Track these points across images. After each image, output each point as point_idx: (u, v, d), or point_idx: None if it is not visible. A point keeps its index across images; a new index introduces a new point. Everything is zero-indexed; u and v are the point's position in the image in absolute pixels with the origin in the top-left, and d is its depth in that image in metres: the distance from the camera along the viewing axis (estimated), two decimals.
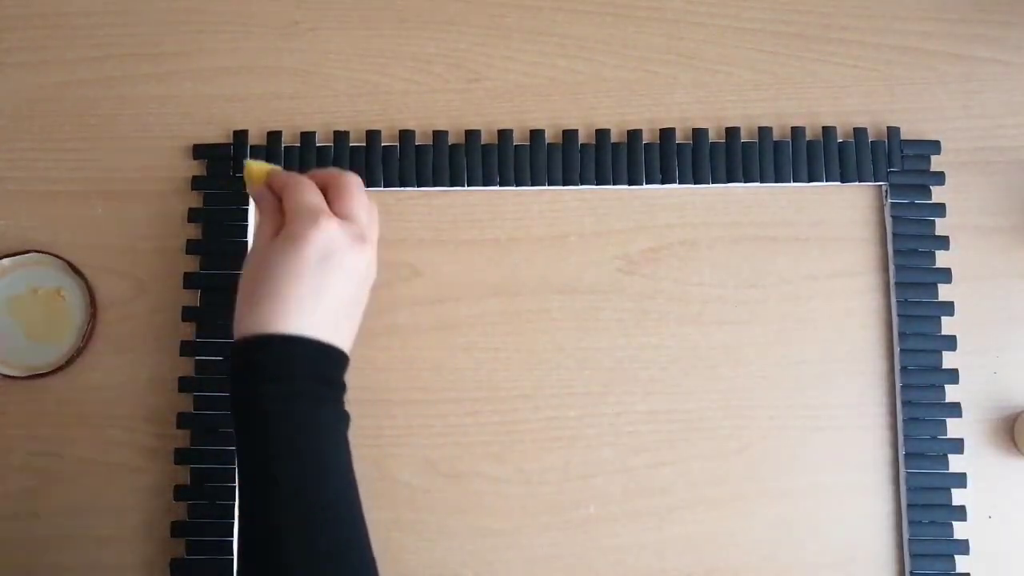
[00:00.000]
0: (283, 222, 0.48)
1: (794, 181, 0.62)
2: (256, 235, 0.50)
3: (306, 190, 0.49)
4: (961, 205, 0.62)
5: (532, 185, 0.61)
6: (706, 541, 0.59)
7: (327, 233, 0.47)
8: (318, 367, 0.47)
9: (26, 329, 0.60)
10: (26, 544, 0.59)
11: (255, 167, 0.52)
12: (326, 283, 0.47)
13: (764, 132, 0.62)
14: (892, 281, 0.61)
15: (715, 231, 0.62)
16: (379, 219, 0.52)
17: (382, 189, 0.61)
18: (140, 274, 0.61)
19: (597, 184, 0.61)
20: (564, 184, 0.61)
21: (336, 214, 0.49)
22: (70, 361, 0.59)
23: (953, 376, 0.60)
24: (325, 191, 0.50)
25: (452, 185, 0.61)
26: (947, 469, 0.59)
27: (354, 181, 0.50)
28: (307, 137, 0.61)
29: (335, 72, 0.63)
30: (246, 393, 0.47)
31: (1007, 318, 0.61)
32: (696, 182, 0.61)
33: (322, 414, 0.47)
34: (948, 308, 0.60)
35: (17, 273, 0.60)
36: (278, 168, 0.52)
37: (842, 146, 0.62)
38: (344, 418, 0.49)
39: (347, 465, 0.48)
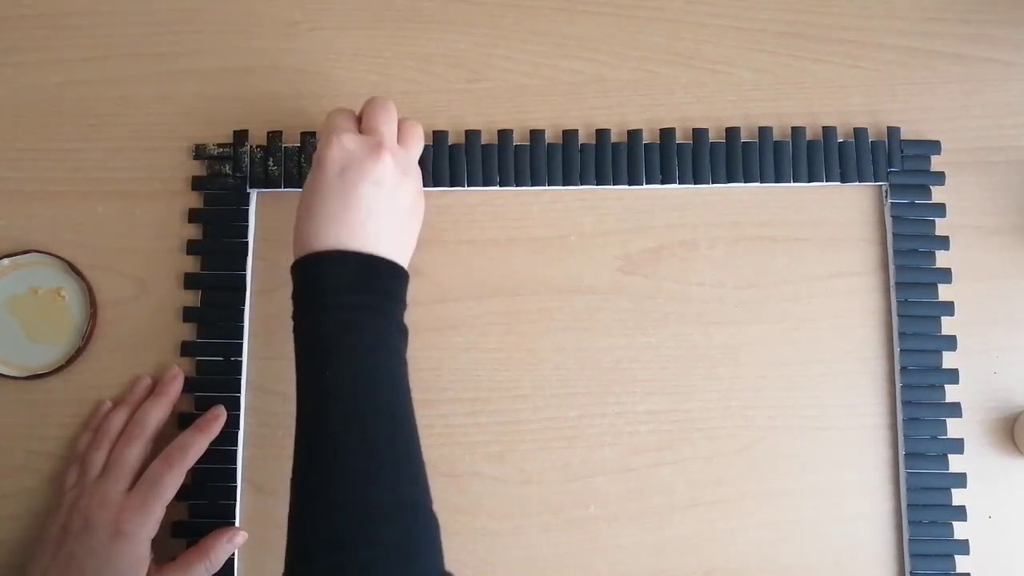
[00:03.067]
0: None
1: (794, 181, 0.62)
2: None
3: (334, 116, 0.52)
4: (961, 205, 0.62)
5: (532, 185, 0.61)
6: (706, 541, 0.59)
7: (340, 147, 0.50)
8: (357, 276, 0.49)
9: (26, 329, 0.60)
10: (26, 544, 0.59)
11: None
12: (352, 195, 0.49)
13: (764, 132, 0.62)
14: (892, 281, 0.61)
15: (715, 231, 0.62)
16: None
17: None
18: (140, 274, 0.61)
19: (597, 184, 0.61)
20: (564, 184, 0.61)
21: (362, 132, 0.51)
22: (70, 361, 0.59)
23: (953, 376, 0.60)
24: (360, 116, 0.53)
25: (452, 185, 0.61)
26: (947, 469, 0.59)
27: (378, 101, 0.53)
28: (307, 137, 0.61)
29: (335, 72, 0.63)
30: (294, 313, 0.50)
31: (1007, 318, 0.61)
32: (696, 182, 0.61)
33: (373, 322, 0.48)
34: (948, 308, 0.60)
35: (17, 273, 0.60)
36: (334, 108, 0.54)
37: (842, 146, 0.62)
38: (399, 328, 0.50)
39: (399, 372, 0.49)
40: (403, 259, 0.52)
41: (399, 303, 0.51)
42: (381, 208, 0.50)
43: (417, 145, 0.54)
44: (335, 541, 0.44)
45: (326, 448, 0.46)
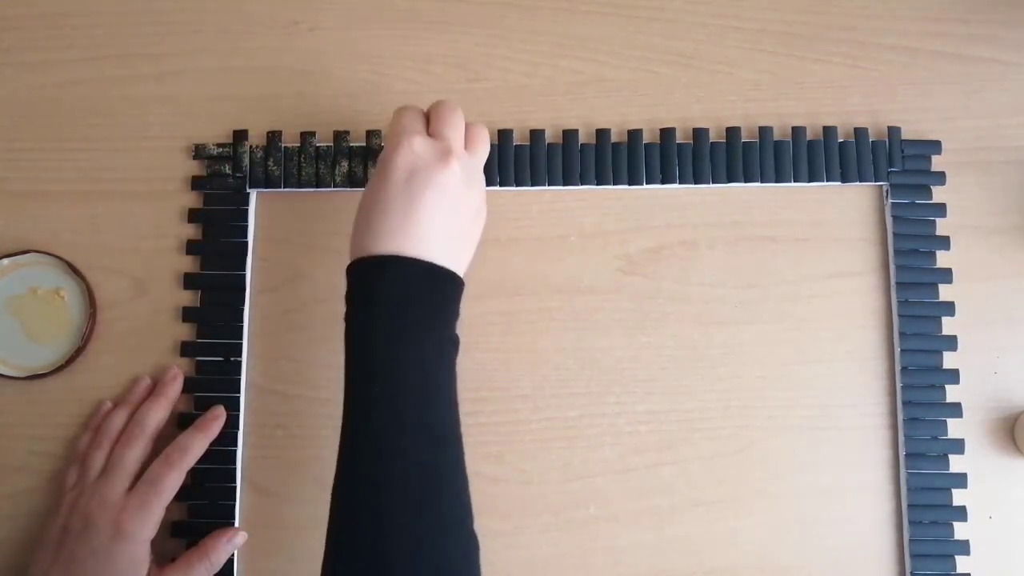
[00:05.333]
0: None
1: (794, 181, 0.62)
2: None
3: (403, 116, 0.51)
4: (962, 205, 0.62)
5: (532, 185, 0.61)
6: (706, 541, 0.59)
7: (409, 151, 0.48)
8: (414, 284, 0.48)
9: (26, 329, 0.60)
10: (26, 544, 0.59)
11: None
12: (417, 201, 0.48)
13: (764, 132, 0.62)
14: (893, 281, 0.61)
15: (715, 231, 0.62)
16: None
17: None
18: (140, 274, 0.61)
19: (597, 184, 0.61)
20: (564, 184, 0.61)
21: (430, 136, 0.50)
22: (70, 361, 0.59)
23: (954, 376, 0.60)
24: (427, 119, 0.52)
25: None
26: (948, 469, 0.59)
27: (447, 105, 0.52)
28: (307, 137, 0.61)
29: (335, 72, 0.63)
30: (348, 315, 0.48)
31: (1008, 318, 0.61)
32: (696, 182, 0.61)
33: (426, 337, 0.47)
34: (949, 308, 0.60)
35: (17, 273, 0.60)
36: (401, 106, 0.53)
37: (843, 146, 0.62)
38: (452, 340, 0.49)
39: (449, 386, 0.48)
40: (461, 268, 0.50)
41: (454, 314, 0.49)
42: (445, 216, 0.49)
43: (484, 151, 0.53)
44: (375, 559, 0.43)
45: (371, 462, 0.45)
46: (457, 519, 0.46)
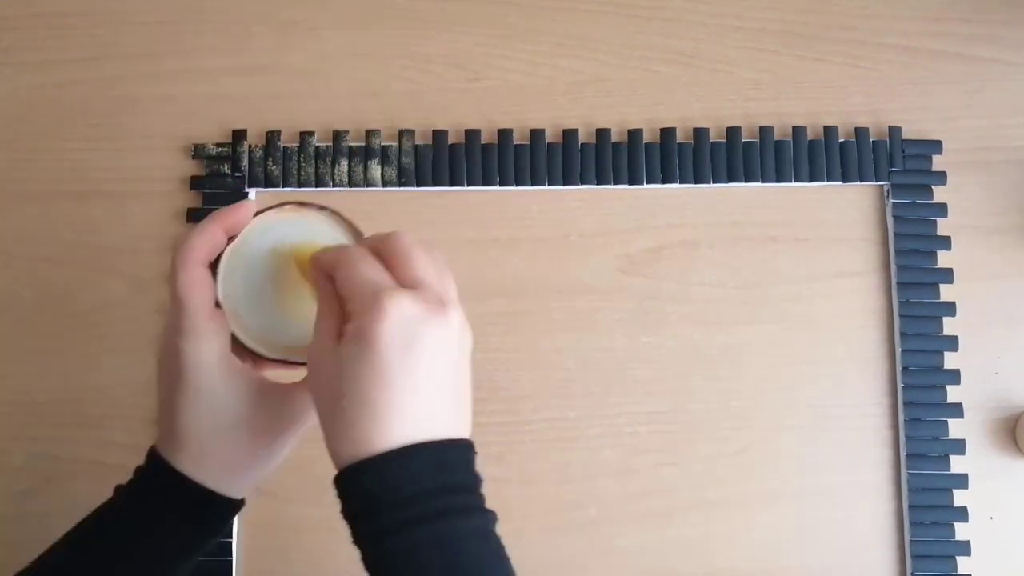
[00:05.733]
0: (343, 313, 0.39)
1: (795, 181, 0.61)
2: (316, 334, 0.40)
3: (361, 267, 0.39)
4: (963, 205, 0.61)
5: (532, 185, 0.61)
6: (707, 542, 0.59)
7: (399, 315, 0.37)
8: (443, 472, 0.39)
9: (276, 295, 0.45)
10: (26, 544, 0.58)
11: (298, 254, 0.44)
12: (419, 374, 0.38)
13: (765, 132, 0.62)
14: (893, 281, 0.61)
15: (716, 231, 0.61)
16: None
17: (381, 189, 0.61)
18: (140, 274, 0.61)
19: (597, 184, 0.61)
20: (564, 184, 0.61)
21: (401, 285, 0.39)
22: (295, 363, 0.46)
23: (954, 376, 0.60)
24: (379, 258, 0.40)
25: (452, 185, 0.61)
26: (948, 470, 0.59)
27: (406, 241, 0.40)
28: (306, 137, 0.61)
29: (335, 72, 0.63)
30: (358, 538, 0.38)
31: (1008, 318, 0.61)
32: (696, 182, 0.61)
33: (462, 527, 0.39)
34: (950, 308, 0.60)
35: (304, 223, 0.46)
36: (322, 246, 0.43)
37: (843, 146, 0.62)
38: (487, 517, 0.40)
39: (505, 567, 0.40)
40: (468, 426, 0.41)
41: (479, 488, 0.40)
42: (449, 381, 0.39)
43: (453, 282, 0.41)
44: None
45: None
46: None
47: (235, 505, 0.44)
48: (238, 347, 0.44)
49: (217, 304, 0.43)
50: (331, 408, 0.39)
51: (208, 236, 0.43)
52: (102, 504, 0.44)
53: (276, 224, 0.46)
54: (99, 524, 0.44)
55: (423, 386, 0.38)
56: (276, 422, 0.44)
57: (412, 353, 0.38)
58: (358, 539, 0.38)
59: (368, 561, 0.38)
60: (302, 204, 0.46)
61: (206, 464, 0.43)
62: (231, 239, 0.44)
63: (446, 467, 0.39)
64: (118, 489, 0.44)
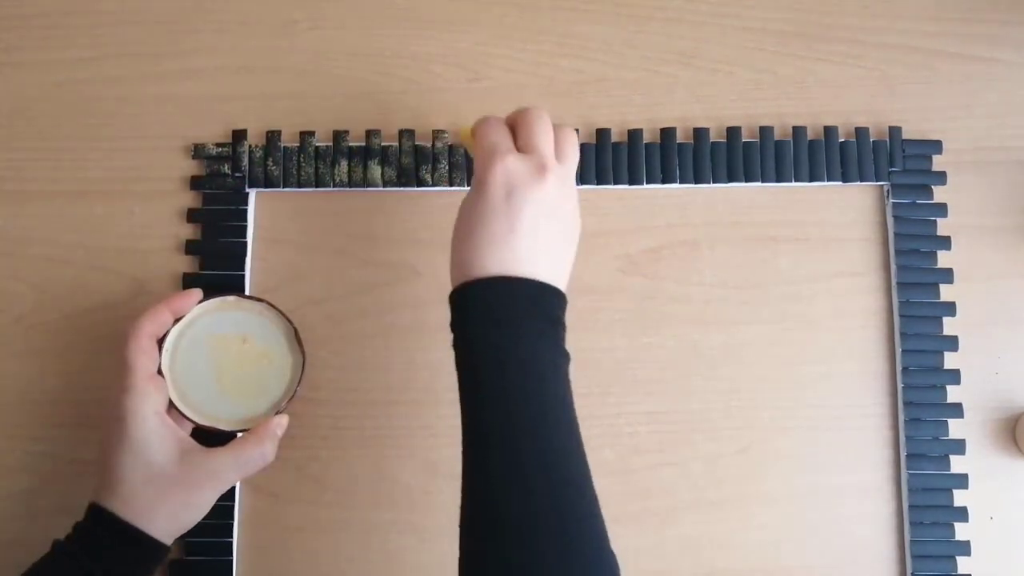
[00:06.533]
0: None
1: (795, 181, 0.61)
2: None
3: (490, 131, 0.50)
4: (963, 205, 0.61)
5: None
6: (707, 542, 0.59)
7: (504, 170, 0.48)
8: (525, 303, 0.47)
9: (216, 374, 0.55)
10: (26, 544, 0.58)
11: (463, 130, 0.55)
12: (518, 219, 0.47)
13: (765, 132, 0.62)
14: (894, 281, 0.61)
15: (716, 231, 0.61)
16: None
17: (381, 189, 0.61)
18: (139, 274, 0.61)
19: (597, 184, 0.61)
20: None
21: (520, 149, 0.49)
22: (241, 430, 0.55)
23: (955, 376, 0.60)
24: (513, 128, 0.51)
25: (452, 185, 0.61)
26: (948, 470, 0.59)
27: (534, 114, 0.50)
28: (306, 137, 0.61)
29: (335, 72, 0.63)
30: (457, 343, 0.48)
31: (1009, 318, 0.61)
32: (697, 182, 0.61)
33: (539, 350, 0.46)
34: (950, 308, 0.60)
35: (236, 314, 0.56)
36: (479, 119, 0.52)
37: (843, 146, 0.62)
38: (564, 355, 0.48)
39: (568, 402, 0.47)
40: (564, 282, 0.49)
41: (563, 329, 0.48)
42: (545, 231, 0.48)
43: (574, 158, 0.51)
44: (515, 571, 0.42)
45: (493, 488, 0.44)
46: (589, 539, 0.44)
47: (162, 548, 0.51)
48: (173, 411, 0.54)
49: (160, 373, 0.53)
50: (455, 241, 0.49)
51: (157, 316, 0.53)
52: (40, 558, 0.51)
53: (216, 312, 0.56)
54: (41, 570, 0.50)
55: (521, 231, 0.47)
56: (198, 478, 0.51)
57: (512, 201, 0.48)
58: (456, 343, 0.48)
59: (459, 362, 0.47)
60: (242, 297, 0.56)
61: (135, 507, 0.50)
62: (179, 319, 0.54)
63: (538, 300, 0.47)
64: (55, 543, 0.51)
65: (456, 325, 0.48)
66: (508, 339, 0.46)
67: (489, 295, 0.47)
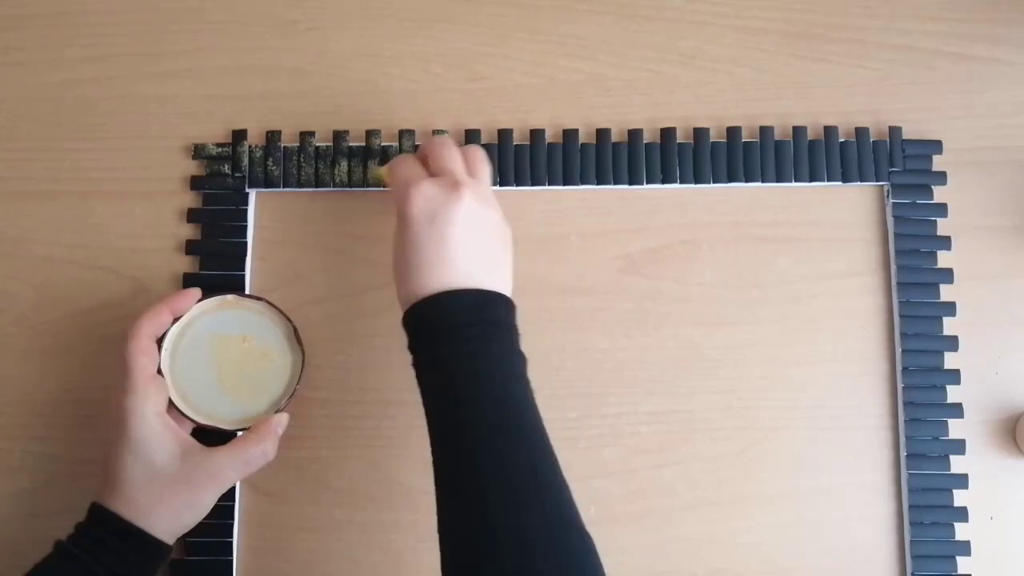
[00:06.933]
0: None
1: (795, 181, 0.61)
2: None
3: (402, 167, 0.53)
4: (963, 205, 0.61)
5: (532, 185, 0.61)
6: (707, 542, 0.59)
7: (421, 196, 0.50)
8: (472, 310, 0.49)
9: (219, 374, 0.56)
10: (26, 544, 0.58)
11: (376, 172, 0.57)
12: (446, 237, 0.49)
13: (765, 131, 0.62)
14: (894, 281, 0.60)
15: (716, 231, 0.61)
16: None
17: (381, 189, 0.61)
18: (139, 274, 0.61)
19: (597, 184, 0.61)
20: (564, 184, 0.61)
21: (432, 175, 0.52)
22: (241, 429, 0.55)
23: (955, 377, 0.60)
24: (423, 161, 0.53)
25: None
26: (949, 470, 0.59)
27: (437, 141, 0.53)
28: (306, 137, 0.61)
29: (335, 72, 0.63)
30: (416, 360, 0.49)
31: (1009, 319, 0.61)
32: (697, 182, 0.61)
33: (493, 352, 0.48)
34: (950, 308, 0.60)
35: (234, 313, 0.56)
36: (392, 160, 0.55)
37: (844, 146, 0.62)
38: (520, 356, 0.50)
39: (527, 396, 0.49)
40: (507, 288, 0.51)
41: (514, 331, 0.50)
42: (475, 242, 0.50)
43: (485, 172, 0.54)
44: (500, 570, 0.43)
45: (470, 480, 0.45)
46: (567, 520, 0.46)
47: (164, 548, 0.51)
48: (173, 411, 0.54)
49: (160, 372, 0.53)
50: (396, 274, 0.51)
51: (156, 315, 0.53)
52: (43, 558, 0.51)
53: (216, 311, 0.56)
54: (43, 571, 0.51)
55: (451, 247, 0.49)
56: (199, 477, 0.52)
57: (436, 222, 0.50)
58: (414, 363, 0.50)
59: (420, 380, 0.49)
60: (242, 296, 0.56)
61: (137, 507, 0.50)
62: (178, 319, 0.54)
63: (482, 306, 0.49)
64: (58, 543, 0.51)
65: (412, 346, 0.50)
66: (462, 344, 0.48)
67: (436, 309, 0.49)
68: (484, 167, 0.54)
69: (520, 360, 0.50)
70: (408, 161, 0.53)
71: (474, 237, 0.50)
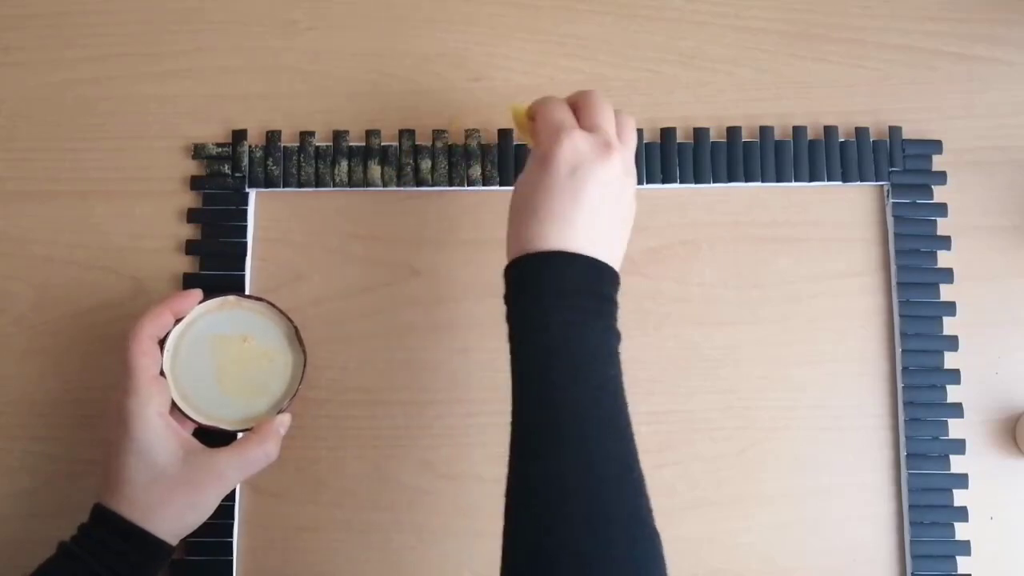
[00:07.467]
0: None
1: (795, 181, 0.61)
2: (526, 164, 0.51)
3: (553, 109, 0.50)
4: (963, 205, 0.61)
5: None
6: (707, 542, 0.59)
7: (572, 145, 0.48)
8: (583, 280, 0.47)
9: (218, 374, 0.55)
10: (26, 544, 0.59)
11: (515, 108, 0.54)
12: (580, 196, 0.47)
13: (765, 131, 0.62)
14: (894, 281, 0.61)
15: (716, 231, 0.61)
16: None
17: (381, 189, 0.61)
18: (138, 274, 0.61)
19: None
20: None
21: (583, 128, 0.49)
22: (242, 430, 0.55)
23: (955, 376, 0.60)
24: (574, 109, 0.51)
25: (451, 185, 0.61)
26: (949, 470, 0.59)
27: (597, 95, 0.51)
28: (306, 137, 0.61)
29: (335, 72, 0.63)
30: (512, 316, 0.48)
31: (1009, 318, 0.61)
32: (697, 182, 0.61)
33: (596, 328, 0.47)
34: (950, 308, 0.60)
35: (235, 313, 0.56)
36: (539, 99, 0.52)
37: (844, 145, 0.62)
38: (616, 334, 0.48)
39: (620, 380, 0.47)
40: (618, 263, 0.50)
41: (616, 307, 0.49)
42: (606, 210, 0.48)
43: (634, 142, 0.52)
44: (570, 554, 0.42)
45: (554, 459, 0.44)
46: (641, 514, 0.45)
47: (166, 548, 0.51)
48: (175, 412, 0.54)
49: (162, 373, 0.53)
50: (514, 214, 0.49)
51: (158, 317, 0.53)
52: (46, 559, 0.51)
53: (217, 312, 0.56)
54: (46, 571, 0.50)
55: (583, 207, 0.47)
56: (201, 478, 0.51)
57: (576, 177, 0.48)
58: (508, 317, 0.48)
59: (512, 336, 0.47)
60: (243, 297, 0.56)
61: (140, 508, 0.50)
62: (179, 320, 0.54)
63: (594, 278, 0.48)
64: (61, 544, 0.51)
65: (511, 298, 0.48)
66: (564, 310, 0.46)
67: (549, 269, 0.47)
68: (634, 137, 0.52)
69: (617, 338, 0.48)
70: (561, 106, 0.51)
71: (607, 204, 0.48)
